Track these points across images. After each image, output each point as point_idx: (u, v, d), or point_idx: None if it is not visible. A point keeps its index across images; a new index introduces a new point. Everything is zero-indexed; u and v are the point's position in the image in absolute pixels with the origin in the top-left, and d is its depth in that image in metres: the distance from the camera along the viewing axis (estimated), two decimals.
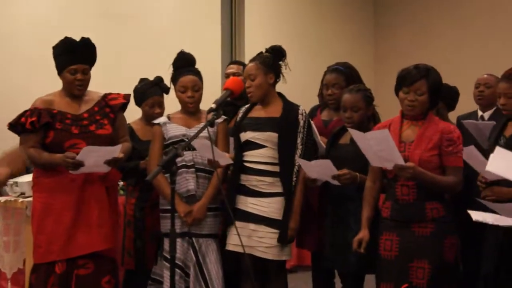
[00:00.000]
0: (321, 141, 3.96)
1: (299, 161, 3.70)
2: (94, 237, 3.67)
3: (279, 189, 3.75)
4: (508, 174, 2.48)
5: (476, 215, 3.12)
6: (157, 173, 2.86)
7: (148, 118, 4.30)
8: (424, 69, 3.37)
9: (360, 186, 3.61)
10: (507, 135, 3.61)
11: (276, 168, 3.75)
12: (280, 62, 3.88)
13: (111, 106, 3.85)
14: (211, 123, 3.19)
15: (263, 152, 3.76)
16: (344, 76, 4.16)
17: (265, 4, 6.45)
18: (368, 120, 3.83)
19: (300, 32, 6.72)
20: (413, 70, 3.37)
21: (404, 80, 3.37)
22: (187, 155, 3.82)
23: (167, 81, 4.15)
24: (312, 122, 3.96)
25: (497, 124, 3.82)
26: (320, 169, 3.63)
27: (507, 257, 3.29)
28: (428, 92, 3.34)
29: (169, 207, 3.43)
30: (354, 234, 3.53)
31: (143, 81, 4.44)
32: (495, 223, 3.12)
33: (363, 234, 3.46)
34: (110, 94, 3.91)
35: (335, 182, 3.62)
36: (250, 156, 3.79)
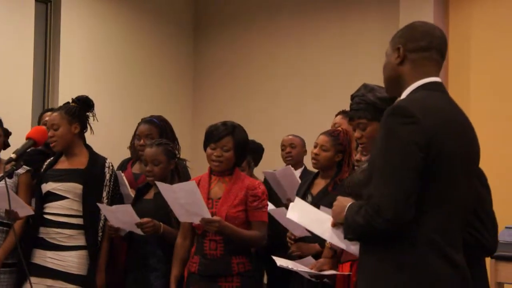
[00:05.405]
0: (132, 193, 3.89)
1: (100, 206, 3.60)
2: None
3: (80, 242, 3.62)
4: (305, 223, 2.60)
5: (280, 261, 3.21)
6: None
7: None
8: (231, 126, 3.45)
9: (161, 242, 3.59)
10: (314, 193, 3.74)
11: (79, 221, 3.64)
12: (88, 113, 3.80)
13: None
14: (9, 174, 3.02)
15: (64, 204, 3.64)
16: (158, 128, 4.17)
17: (81, 51, 6.32)
18: (172, 174, 3.81)
19: (116, 81, 6.63)
20: (220, 127, 3.44)
21: (212, 136, 3.43)
22: None
23: None
24: (123, 174, 3.87)
25: (304, 181, 3.96)
26: (121, 216, 3.54)
27: None
28: (234, 148, 3.41)
29: None
30: None
31: None
32: (298, 269, 3.22)
33: None
34: None
35: (139, 231, 3.55)
36: (51, 207, 3.65)
